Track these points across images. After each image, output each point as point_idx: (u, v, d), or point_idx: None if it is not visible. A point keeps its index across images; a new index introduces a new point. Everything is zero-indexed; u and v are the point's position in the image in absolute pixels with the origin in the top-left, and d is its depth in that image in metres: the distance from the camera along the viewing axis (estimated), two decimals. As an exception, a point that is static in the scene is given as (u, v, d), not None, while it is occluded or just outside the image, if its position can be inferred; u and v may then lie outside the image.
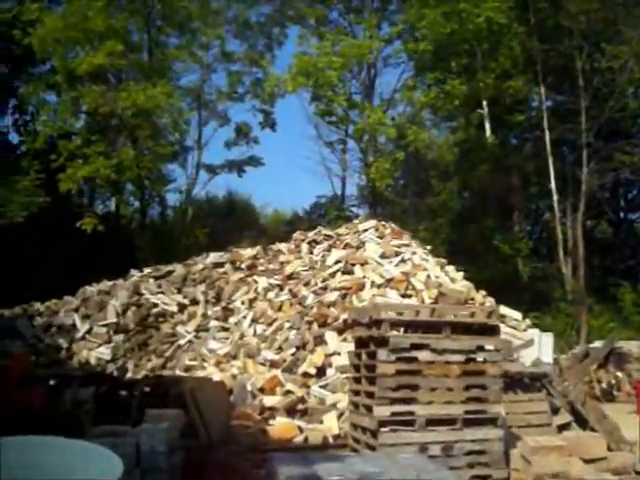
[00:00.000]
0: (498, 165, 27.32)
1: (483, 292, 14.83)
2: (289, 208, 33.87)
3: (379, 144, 25.96)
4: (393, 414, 6.99)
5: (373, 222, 15.52)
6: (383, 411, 7.00)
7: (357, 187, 28.82)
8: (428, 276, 13.05)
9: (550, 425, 9.97)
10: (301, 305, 12.97)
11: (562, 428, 10.56)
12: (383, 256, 13.72)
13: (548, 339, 14.15)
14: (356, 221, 17.06)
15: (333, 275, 13.65)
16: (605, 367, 17.98)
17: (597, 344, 18.82)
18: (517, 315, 13.53)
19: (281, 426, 9.59)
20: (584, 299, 24.15)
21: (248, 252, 16.08)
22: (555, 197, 24.92)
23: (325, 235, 15.84)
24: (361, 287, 12.75)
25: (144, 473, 5.87)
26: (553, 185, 24.89)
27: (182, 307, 14.42)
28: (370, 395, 7.27)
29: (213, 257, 16.20)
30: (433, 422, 7.04)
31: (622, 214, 34.97)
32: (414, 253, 13.96)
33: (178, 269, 15.63)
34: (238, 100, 27.47)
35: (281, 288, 14.11)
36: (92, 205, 27.37)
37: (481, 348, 7.42)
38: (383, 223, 15.72)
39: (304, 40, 25.18)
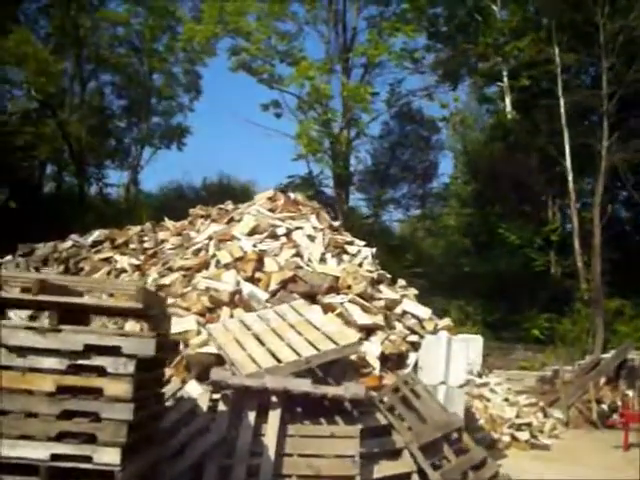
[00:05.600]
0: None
1: (402, 282, 11.62)
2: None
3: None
4: None
5: (270, 192, 12.52)
6: None
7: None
8: (297, 255, 9.97)
9: (353, 478, 6.42)
10: (136, 289, 10.19)
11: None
12: (254, 232, 10.74)
13: (477, 344, 10.73)
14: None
15: (197, 254, 10.85)
16: (615, 383, 14.53)
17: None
18: (423, 313, 10.19)
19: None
20: (601, 299, 20.05)
21: (135, 229, 13.46)
22: (570, 177, 20.90)
23: (221, 210, 12.98)
24: (204, 267, 9.90)
25: None
26: (569, 164, 20.91)
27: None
28: None
29: (98, 234, 13.66)
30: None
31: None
32: (298, 228, 10.87)
33: (43, 247, 13.14)
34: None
35: (139, 269, 11.42)
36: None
37: (104, 350, 4.36)
38: (288, 194, 12.76)
39: None
